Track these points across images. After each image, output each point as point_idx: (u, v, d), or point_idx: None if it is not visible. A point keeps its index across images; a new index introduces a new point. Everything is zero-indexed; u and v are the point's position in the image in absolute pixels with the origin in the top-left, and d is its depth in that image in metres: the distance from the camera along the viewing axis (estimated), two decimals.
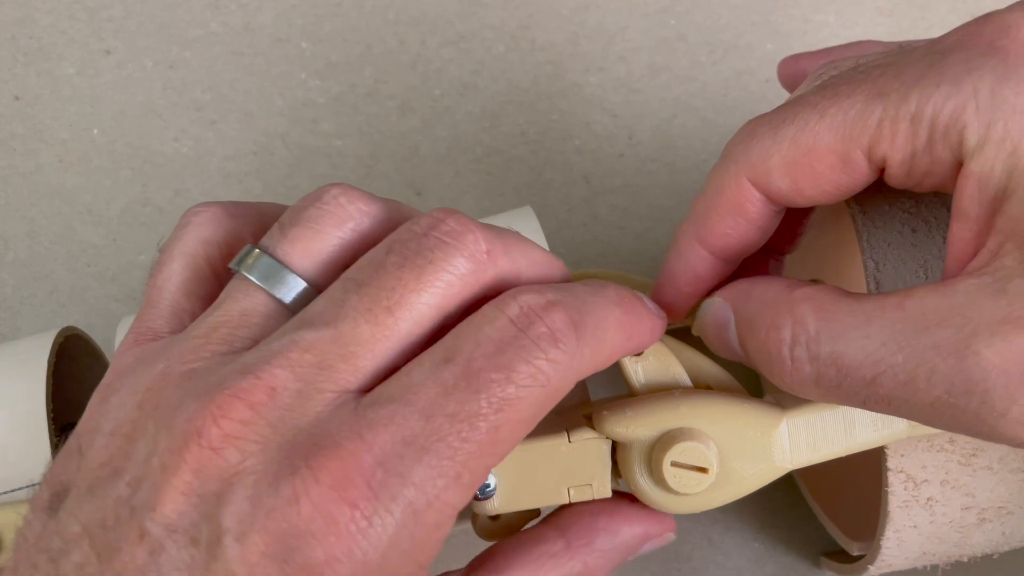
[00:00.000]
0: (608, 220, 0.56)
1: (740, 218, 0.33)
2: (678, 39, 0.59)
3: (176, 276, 0.32)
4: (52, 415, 0.40)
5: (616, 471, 0.35)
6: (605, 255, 0.56)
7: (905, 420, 0.33)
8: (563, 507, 0.35)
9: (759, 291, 0.32)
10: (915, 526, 0.36)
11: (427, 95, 0.58)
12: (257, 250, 0.30)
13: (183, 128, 0.58)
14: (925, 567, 0.39)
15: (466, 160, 0.57)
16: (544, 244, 0.41)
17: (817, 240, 0.44)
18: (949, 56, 0.29)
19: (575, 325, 0.28)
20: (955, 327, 0.27)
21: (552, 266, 0.32)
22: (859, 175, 0.31)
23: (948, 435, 0.35)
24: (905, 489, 0.35)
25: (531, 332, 0.28)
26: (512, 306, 0.28)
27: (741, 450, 0.33)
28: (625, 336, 0.31)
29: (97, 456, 0.29)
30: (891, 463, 0.35)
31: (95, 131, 0.58)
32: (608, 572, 0.35)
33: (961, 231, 0.29)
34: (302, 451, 0.26)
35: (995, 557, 0.40)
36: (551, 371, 0.28)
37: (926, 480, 0.35)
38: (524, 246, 0.31)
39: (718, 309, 0.34)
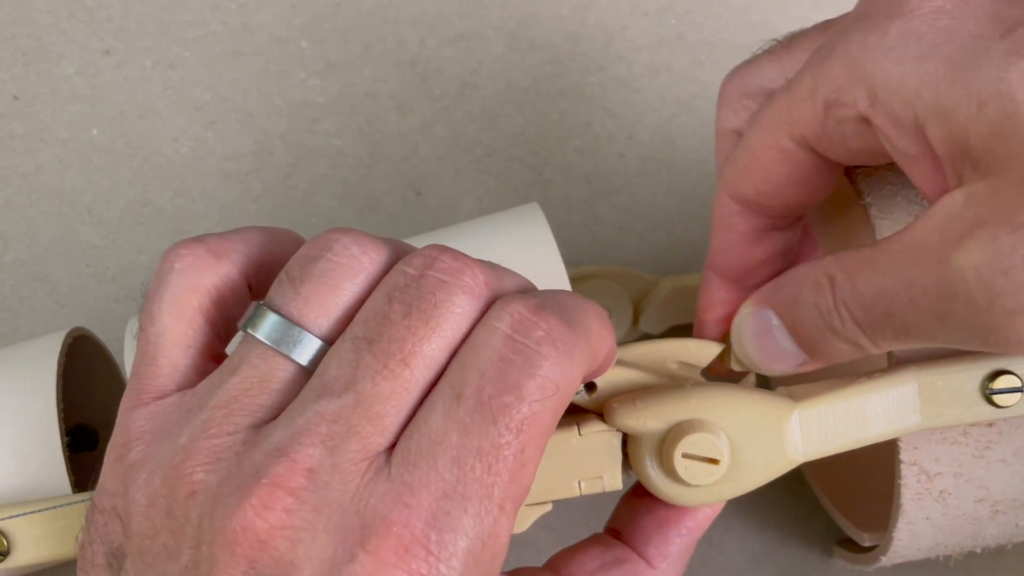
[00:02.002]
0: (608, 220, 0.56)
1: (731, 233, 0.35)
2: (678, 39, 0.59)
3: (169, 331, 0.31)
4: (62, 417, 0.40)
5: (627, 463, 0.35)
6: (605, 255, 0.56)
7: (918, 413, 0.33)
8: (625, 517, 0.36)
9: (787, 277, 0.33)
10: (928, 518, 0.36)
11: (427, 95, 0.58)
12: (269, 310, 0.30)
13: (183, 128, 0.58)
14: (938, 557, 0.39)
15: (466, 160, 0.57)
16: (551, 240, 0.41)
17: (828, 241, 0.45)
18: (831, 32, 0.32)
19: (566, 323, 0.29)
20: (934, 243, 0.28)
21: (533, 285, 0.32)
22: (797, 162, 0.33)
23: (962, 428, 0.35)
24: (918, 482, 0.35)
25: (530, 338, 0.28)
26: (504, 318, 0.28)
27: (753, 442, 0.33)
28: (606, 331, 0.31)
29: (139, 527, 0.29)
30: (904, 456, 0.35)
31: (94, 131, 0.58)
32: (683, 568, 0.36)
33: (920, 172, 0.30)
34: (355, 535, 0.27)
35: (1008, 548, 0.40)
36: (557, 376, 0.28)
37: (939, 473, 0.35)
38: (510, 272, 0.31)
39: (753, 317, 0.35)
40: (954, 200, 0.28)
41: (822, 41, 0.33)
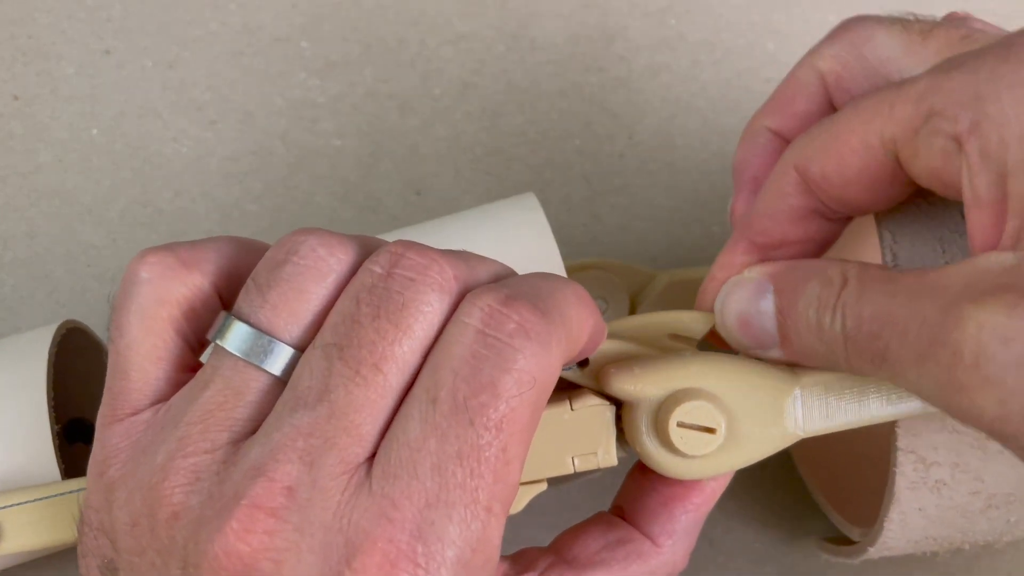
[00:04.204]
0: (608, 220, 0.56)
1: (781, 202, 0.34)
2: (678, 39, 0.59)
3: (138, 344, 0.31)
4: (54, 409, 0.40)
5: (621, 438, 0.34)
6: (605, 255, 0.56)
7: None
8: (631, 495, 0.35)
9: (804, 263, 0.33)
10: (921, 508, 0.36)
11: (427, 95, 0.58)
12: (237, 320, 0.29)
13: (183, 128, 0.58)
14: (924, 553, 0.39)
15: (466, 160, 0.57)
16: (548, 230, 0.40)
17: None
18: (960, 57, 0.30)
19: (540, 311, 0.28)
20: (956, 288, 0.27)
21: (508, 270, 0.32)
22: (876, 162, 0.32)
23: None
24: (914, 470, 0.35)
25: (502, 332, 0.27)
26: (475, 313, 0.28)
27: (752, 413, 0.33)
28: (587, 311, 0.30)
29: (125, 544, 0.29)
30: (902, 442, 0.35)
31: (94, 131, 0.58)
32: (692, 544, 0.35)
33: (980, 218, 0.29)
34: (339, 553, 0.26)
35: (998, 546, 0.39)
36: (533, 368, 0.27)
37: (936, 462, 0.35)
38: (482, 260, 0.31)
39: (752, 284, 0.34)
40: (1001, 259, 0.27)
41: (958, 38, 0.32)
